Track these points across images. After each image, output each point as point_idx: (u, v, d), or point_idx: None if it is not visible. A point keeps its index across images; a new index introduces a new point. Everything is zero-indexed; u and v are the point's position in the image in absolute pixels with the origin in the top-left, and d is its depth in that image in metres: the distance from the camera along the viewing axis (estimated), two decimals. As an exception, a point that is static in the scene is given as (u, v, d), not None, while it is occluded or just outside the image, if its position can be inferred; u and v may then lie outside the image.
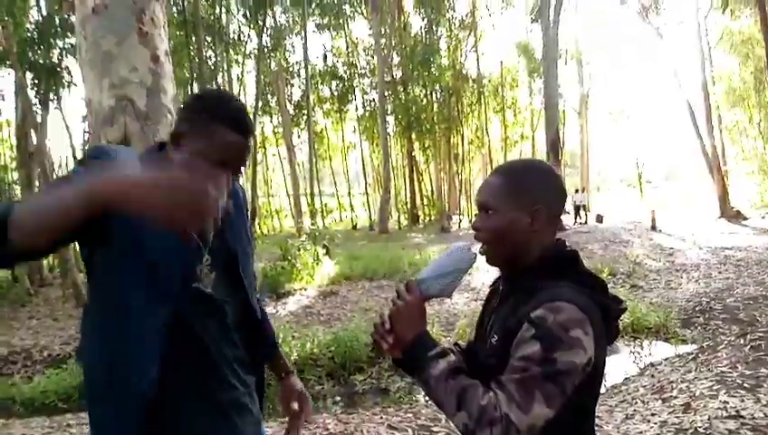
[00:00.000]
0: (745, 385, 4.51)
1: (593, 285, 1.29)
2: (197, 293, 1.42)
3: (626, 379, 5.93)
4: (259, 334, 1.65)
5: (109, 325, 1.37)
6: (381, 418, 4.64)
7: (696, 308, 7.97)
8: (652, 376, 5.64)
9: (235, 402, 1.50)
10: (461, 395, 1.18)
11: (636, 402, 4.87)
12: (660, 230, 18.47)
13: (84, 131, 17.97)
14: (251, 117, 1.46)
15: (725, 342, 5.94)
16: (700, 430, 3.83)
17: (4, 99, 16.42)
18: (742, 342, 5.79)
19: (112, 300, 1.36)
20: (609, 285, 1.34)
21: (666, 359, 6.28)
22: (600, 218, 22.85)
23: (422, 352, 1.27)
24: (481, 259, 1.38)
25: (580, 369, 1.16)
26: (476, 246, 1.37)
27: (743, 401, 4.19)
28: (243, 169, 1.45)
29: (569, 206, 24.96)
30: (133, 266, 1.33)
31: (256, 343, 1.63)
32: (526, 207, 1.30)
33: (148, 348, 1.34)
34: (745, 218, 20.14)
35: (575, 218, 22.96)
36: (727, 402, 4.20)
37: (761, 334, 5.85)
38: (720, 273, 10.20)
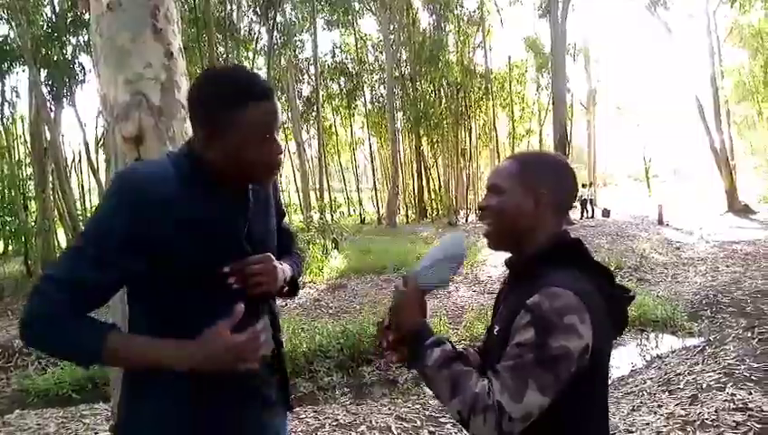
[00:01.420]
0: (753, 378, 4.53)
1: (596, 273, 1.29)
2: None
3: (633, 371, 5.94)
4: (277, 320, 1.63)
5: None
6: (390, 408, 4.69)
7: (704, 301, 7.96)
8: (659, 368, 5.65)
9: (260, 394, 1.51)
10: (455, 383, 1.18)
11: (642, 394, 4.89)
12: (667, 224, 18.40)
13: (98, 127, 18.13)
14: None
15: (733, 335, 5.96)
16: (707, 422, 3.85)
17: (18, 96, 16.58)
18: (749, 335, 5.80)
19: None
20: (615, 279, 1.34)
21: (673, 351, 6.29)
22: (606, 213, 22.78)
23: (419, 343, 1.28)
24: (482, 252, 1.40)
25: (576, 355, 1.14)
26: (469, 236, 1.39)
27: (750, 393, 4.21)
28: (281, 126, 1.44)
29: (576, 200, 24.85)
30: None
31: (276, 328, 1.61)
32: (531, 190, 1.32)
33: None
34: (753, 213, 20.01)
35: (582, 213, 22.90)
36: (734, 395, 4.22)
37: (768, 328, 5.87)
38: (727, 266, 10.18)
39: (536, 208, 1.32)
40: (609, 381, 4.99)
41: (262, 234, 1.53)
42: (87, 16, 2.63)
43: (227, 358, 1.28)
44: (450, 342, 1.31)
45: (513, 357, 1.15)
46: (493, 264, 12.40)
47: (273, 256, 1.49)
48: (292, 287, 1.67)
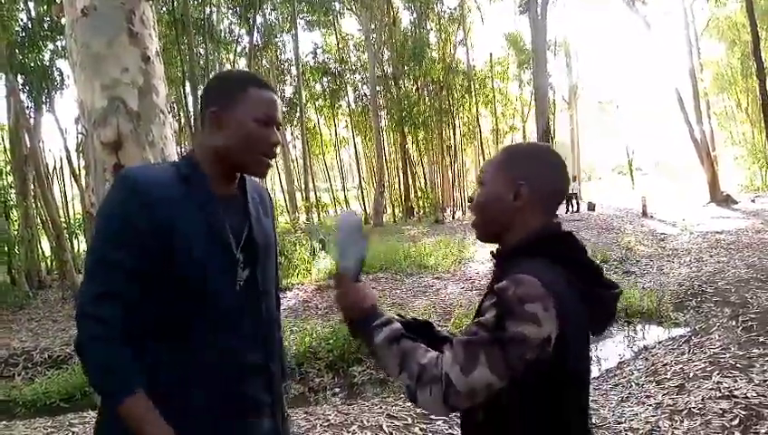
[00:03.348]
0: (738, 366, 4.59)
1: (574, 265, 1.26)
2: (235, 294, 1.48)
3: (620, 363, 5.99)
4: (276, 338, 1.64)
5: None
6: (381, 408, 4.69)
7: (689, 292, 8.05)
8: (646, 359, 5.71)
9: (244, 396, 1.51)
10: (403, 357, 1.20)
11: (631, 385, 4.94)
12: (652, 216, 18.58)
13: (78, 133, 17.91)
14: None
15: (718, 324, 6.03)
16: (694, 410, 3.90)
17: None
18: (734, 323, 5.88)
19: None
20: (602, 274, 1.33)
21: (659, 342, 6.35)
22: (591, 206, 22.95)
23: (366, 326, 1.29)
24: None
25: (534, 344, 1.12)
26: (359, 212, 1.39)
27: (735, 381, 4.27)
28: (280, 127, 1.57)
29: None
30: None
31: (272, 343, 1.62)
32: (511, 183, 1.31)
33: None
34: (735, 202, 20.25)
35: (567, 207, 23.06)
36: (720, 383, 4.28)
37: (752, 316, 5.94)
38: (711, 256, 10.30)
39: (516, 201, 1.31)
40: (597, 374, 5.03)
41: (264, 238, 1.59)
42: (63, 21, 2.60)
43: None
44: (401, 321, 1.34)
45: (470, 334, 1.16)
46: (480, 260, 12.44)
47: None
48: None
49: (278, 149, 1.53)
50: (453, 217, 26.87)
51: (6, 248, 15.35)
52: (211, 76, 1.73)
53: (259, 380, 1.55)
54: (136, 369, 1.35)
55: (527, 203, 1.31)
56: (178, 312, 1.39)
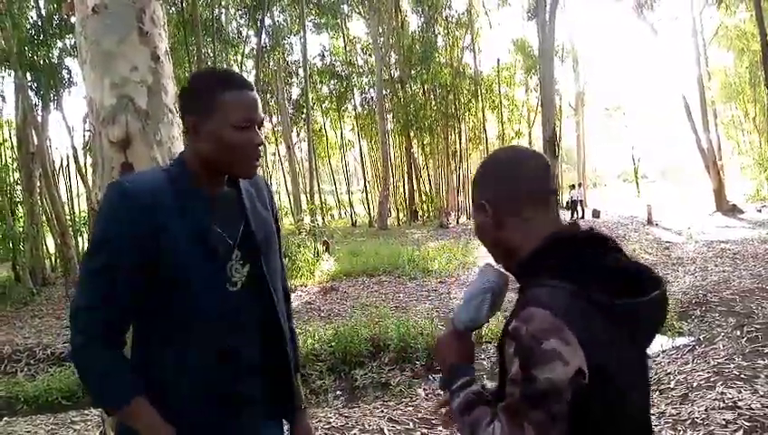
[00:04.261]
0: (742, 376, 4.56)
1: (592, 274, 1.08)
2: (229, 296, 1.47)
3: (624, 371, 5.95)
4: (280, 335, 1.62)
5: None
6: (382, 411, 4.68)
7: (693, 301, 8.00)
8: (650, 368, 5.67)
9: (237, 395, 1.49)
10: (472, 430, 1.13)
11: (634, 394, 4.90)
12: (657, 224, 18.52)
13: (86, 130, 17.98)
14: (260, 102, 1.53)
15: (722, 334, 5.99)
16: (697, 420, 3.87)
17: (5, 100, 16.42)
18: (738, 334, 5.84)
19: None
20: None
21: (663, 351, 6.31)
22: (596, 214, 22.92)
23: (449, 385, 1.25)
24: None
25: (566, 384, 0.99)
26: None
27: (740, 392, 4.23)
28: (263, 122, 1.51)
29: (565, 202, 25.04)
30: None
31: (277, 342, 1.61)
32: (479, 204, 1.23)
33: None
34: (741, 212, 20.17)
35: (572, 214, 23.04)
36: (724, 394, 4.24)
37: (757, 326, 5.90)
38: (716, 266, 10.24)
39: (492, 220, 1.21)
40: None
41: (264, 230, 1.57)
42: (73, 20, 2.60)
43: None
44: (475, 377, 1.25)
45: (508, 396, 1.06)
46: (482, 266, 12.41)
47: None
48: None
49: (262, 148, 1.50)
50: (457, 222, 26.87)
51: (11, 245, 15.41)
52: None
53: (257, 379, 1.54)
54: (133, 375, 1.38)
55: (501, 221, 1.20)
56: (171, 313, 1.40)
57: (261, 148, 1.48)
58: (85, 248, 1.64)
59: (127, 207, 1.36)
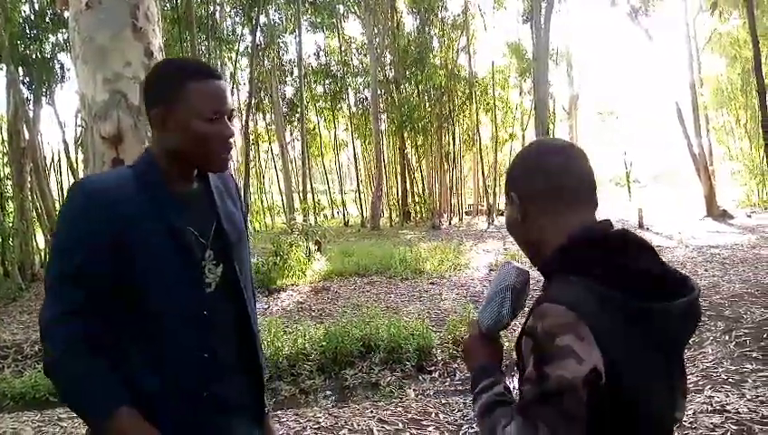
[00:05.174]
0: (730, 380, 4.59)
1: (618, 276, 1.04)
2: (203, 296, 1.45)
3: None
4: (253, 336, 1.59)
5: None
6: (372, 412, 4.68)
7: (683, 305, 8.05)
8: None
9: (211, 396, 1.46)
10: (491, 431, 1.12)
11: (622, 397, 4.92)
12: (648, 229, 18.59)
13: (77, 126, 17.87)
14: (230, 92, 1.48)
15: (711, 338, 6.02)
16: (685, 424, 3.88)
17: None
18: (727, 338, 5.87)
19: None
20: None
21: (652, 355, 6.34)
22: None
23: (473, 388, 1.24)
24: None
25: (580, 382, 0.96)
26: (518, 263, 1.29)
27: (727, 396, 4.26)
28: (233, 114, 1.46)
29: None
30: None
31: (250, 343, 1.59)
32: (510, 199, 1.22)
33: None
34: (731, 217, 20.29)
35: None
36: (712, 397, 4.27)
37: (746, 331, 5.94)
38: (706, 271, 10.30)
39: (521, 215, 1.19)
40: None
41: (234, 228, 1.54)
42: (67, 14, 2.59)
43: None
44: (500, 379, 1.24)
45: (523, 395, 1.05)
46: (476, 267, 12.45)
47: None
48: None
49: (233, 140, 1.45)
50: (449, 223, 26.92)
51: (1, 240, 15.28)
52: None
53: (233, 380, 1.51)
54: (113, 381, 1.31)
55: (528, 215, 1.18)
56: (144, 315, 1.36)
57: (232, 140, 1.43)
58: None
59: (91, 208, 1.32)
